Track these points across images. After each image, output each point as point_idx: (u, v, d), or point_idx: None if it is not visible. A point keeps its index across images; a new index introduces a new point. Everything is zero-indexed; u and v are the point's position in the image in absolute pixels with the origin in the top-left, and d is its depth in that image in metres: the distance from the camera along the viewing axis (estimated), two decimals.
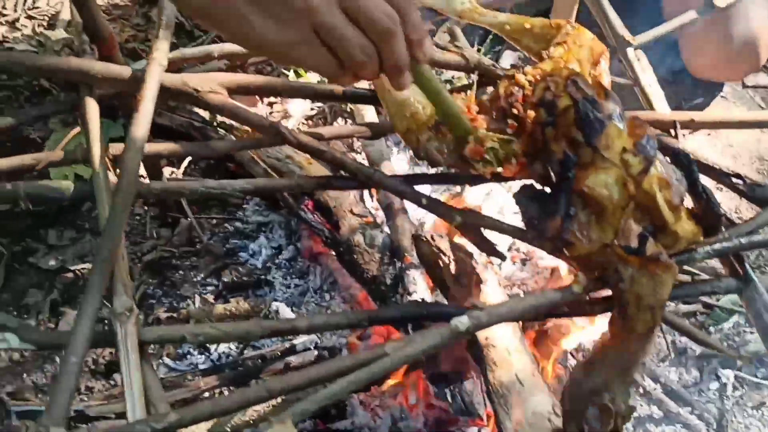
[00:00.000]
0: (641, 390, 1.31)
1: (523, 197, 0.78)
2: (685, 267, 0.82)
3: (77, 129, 0.90)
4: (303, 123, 1.62)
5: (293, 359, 1.26)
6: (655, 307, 0.71)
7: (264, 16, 0.61)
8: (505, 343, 1.07)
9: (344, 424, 1.20)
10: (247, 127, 1.11)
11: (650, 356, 1.35)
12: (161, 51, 0.88)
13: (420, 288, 1.15)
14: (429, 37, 0.69)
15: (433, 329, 0.72)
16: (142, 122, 0.82)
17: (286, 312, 1.34)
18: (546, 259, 1.34)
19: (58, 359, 1.29)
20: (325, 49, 0.64)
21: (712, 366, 1.36)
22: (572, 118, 0.74)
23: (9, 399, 1.23)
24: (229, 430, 1.10)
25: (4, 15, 1.72)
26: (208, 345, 1.30)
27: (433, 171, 1.34)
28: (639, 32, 1.03)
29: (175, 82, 0.88)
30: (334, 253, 1.33)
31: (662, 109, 0.98)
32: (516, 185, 0.82)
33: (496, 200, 1.43)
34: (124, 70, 0.89)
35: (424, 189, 1.05)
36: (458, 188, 1.46)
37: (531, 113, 0.78)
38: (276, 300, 1.36)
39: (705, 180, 0.81)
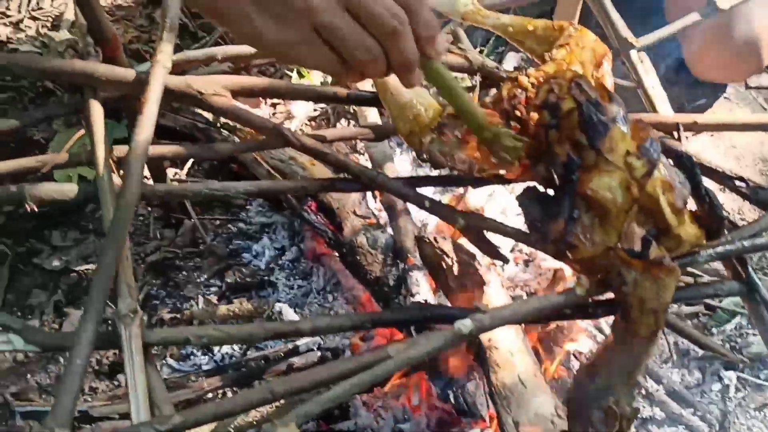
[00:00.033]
0: (643, 391, 1.31)
1: (526, 199, 0.78)
2: (688, 269, 0.81)
3: (81, 131, 0.90)
4: (306, 124, 1.63)
5: (296, 360, 1.26)
6: (658, 311, 0.71)
7: (265, 15, 0.61)
8: (508, 345, 1.07)
9: (347, 425, 1.21)
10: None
11: (653, 358, 1.35)
12: (165, 53, 0.89)
13: (423, 289, 1.15)
14: (441, 32, 0.67)
15: (436, 332, 0.72)
16: (146, 125, 0.82)
17: (289, 313, 1.34)
18: (549, 261, 1.35)
19: (62, 360, 1.29)
20: (326, 49, 0.63)
21: (714, 367, 1.36)
22: (576, 121, 0.74)
23: (13, 399, 1.24)
24: (232, 431, 1.10)
25: (8, 16, 1.73)
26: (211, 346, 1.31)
27: (435, 173, 1.34)
28: (640, 34, 1.03)
29: (179, 85, 0.88)
30: (337, 254, 1.33)
31: (665, 111, 0.97)
32: (519, 187, 0.82)
33: (499, 201, 1.43)
34: (128, 73, 0.89)
35: (426, 191, 1.05)
36: (461, 189, 1.46)
37: (534, 115, 0.78)
38: (279, 301, 1.37)
39: (708, 183, 0.81)
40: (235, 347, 1.32)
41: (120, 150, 0.86)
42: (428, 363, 1.12)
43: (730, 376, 1.34)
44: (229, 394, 1.24)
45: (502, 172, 0.81)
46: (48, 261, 1.40)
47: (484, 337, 1.06)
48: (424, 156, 0.83)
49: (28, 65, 0.90)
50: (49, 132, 1.48)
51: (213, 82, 0.90)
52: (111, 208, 0.80)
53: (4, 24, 1.71)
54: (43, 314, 1.34)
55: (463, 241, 1.15)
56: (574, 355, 1.30)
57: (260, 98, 1.59)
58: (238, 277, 1.41)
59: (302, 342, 1.28)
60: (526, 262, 1.39)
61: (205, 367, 1.29)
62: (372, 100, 0.94)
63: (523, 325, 1.10)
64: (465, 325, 0.70)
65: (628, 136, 0.74)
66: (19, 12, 1.73)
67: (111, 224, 0.76)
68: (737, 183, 0.88)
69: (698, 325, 1.41)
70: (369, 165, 1.43)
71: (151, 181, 1.34)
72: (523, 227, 0.80)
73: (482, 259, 1.14)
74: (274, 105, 1.64)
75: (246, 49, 1.00)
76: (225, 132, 1.43)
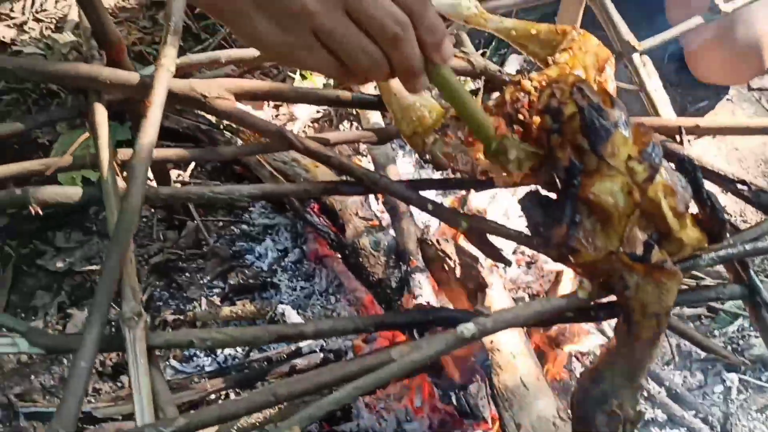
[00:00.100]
0: (646, 393, 1.31)
1: (528, 203, 0.78)
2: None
3: (86, 134, 0.91)
4: (309, 126, 1.63)
5: (299, 362, 1.26)
6: (660, 314, 0.71)
7: (266, 18, 0.60)
8: (510, 347, 1.08)
9: (349, 427, 1.21)
10: None
11: (655, 360, 1.35)
12: (169, 57, 0.89)
13: (425, 291, 1.15)
14: (448, 37, 0.66)
15: (438, 335, 0.72)
16: (150, 128, 0.83)
17: (291, 314, 1.35)
18: (551, 263, 1.35)
19: (65, 361, 1.30)
20: (325, 52, 0.62)
21: (716, 369, 1.36)
22: (578, 126, 0.74)
23: (17, 400, 1.24)
24: None
25: (12, 18, 1.73)
26: None
27: (438, 175, 1.34)
28: (641, 36, 1.04)
29: (182, 88, 0.89)
30: (339, 256, 1.34)
31: (667, 114, 0.98)
32: (521, 189, 0.83)
33: (501, 203, 1.43)
34: (132, 76, 0.90)
35: (429, 192, 1.05)
36: (463, 191, 1.47)
37: (536, 119, 0.78)
38: (282, 302, 1.37)
39: (710, 186, 0.81)
40: (238, 349, 1.32)
41: (124, 153, 0.86)
42: (430, 365, 1.12)
43: (732, 378, 1.35)
44: (232, 396, 1.25)
45: (504, 175, 0.82)
46: (52, 262, 1.41)
47: (486, 340, 1.06)
48: (427, 157, 0.83)
49: (33, 68, 0.91)
50: (53, 134, 1.48)
51: (217, 86, 0.90)
52: (115, 212, 0.80)
53: (8, 26, 1.71)
54: (47, 315, 1.34)
55: (466, 243, 1.15)
56: (576, 357, 1.30)
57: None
58: (241, 278, 1.42)
59: (305, 344, 1.29)
60: (529, 264, 1.39)
61: (208, 369, 1.29)
62: (375, 103, 0.95)
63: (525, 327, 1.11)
64: (467, 328, 0.70)
65: (630, 141, 0.74)
66: (23, 14, 1.74)
67: (115, 228, 0.77)
68: (739, 186, 0.88)
69: (700, 327, 1.42)
70: (371, 167, 1.43)
71: (154, 183, 1.35)
72: (526, 229, 0.80)
73: (484, 261, 1.15)
74: (276, 107, 1.64)
75: (249, 53, 1.00)
76: (228, 134, 1.43)
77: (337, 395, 0.68)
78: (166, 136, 1.36)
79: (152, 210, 1.48)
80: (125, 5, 1.77)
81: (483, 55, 1.72)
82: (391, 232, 1.27)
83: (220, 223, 1.49)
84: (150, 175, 1.31)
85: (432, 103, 0.84)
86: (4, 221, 1.44)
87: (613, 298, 0.75)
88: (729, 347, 1.39)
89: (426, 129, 0.82)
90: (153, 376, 0.72)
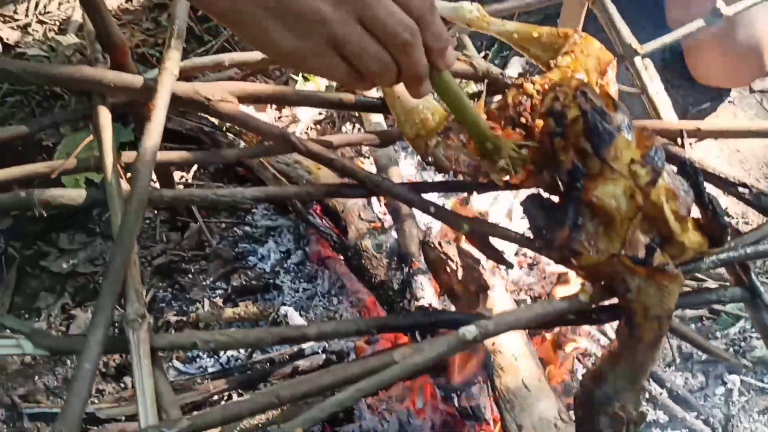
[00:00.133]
0: (647, 395, 1.31)
1: (530, 205, 0.78)
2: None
3: (90, 137, 0.91)
4: (311, 128, 1.63)
5: (301, 363, 1.27)
6: (662, 317, 0.71)
7: (281, 27, 0.61)
8: (512, 349, 1.08)
9: (352, 428, 1.21)
10: None
11: (657, 362, 1.35)
12: (173, 60, 0.90)
13: (427, 293, 1.16)
14: (451, 44, 0.68)
15: (440, 338, 0.73)
16: (154, 131, 0.83)
17: (294, 316, 1.35)
18: (553, 265, 1.34)
19: (69, 362, 1.30)
20: (339, 59, 0.63)
21: (717, 371, 1.36)
22: (581, 129, 0.74)
23: (21, 401, 1.25)
24: None
25: (16, 20, 1.74)
26: None
27: (440, 177, 1.35)
28: (640, 38, 1.04)
29: (186, 91, 0.89)
30: (342, 257, 1.34)
31: (669, 117, 0.98)
32: (523, 191, 0.83)
33: (504, 205, 1.44)
34: (136, 80, 0.90)
35: (431, 194, 1.06)
36: (465, 193, 1.47)
37: (539, 122, 0.79)
38: (284, 304, 1.38)
39: (711, 188, 0.81)
40: (241, 350, 1.32)
41: (128, 156, 0.87)
42: (432, 366, 1.12)
43: (733, 380, 1.35)
44: (235, 397, 1.25)
45: (506, 178, 0.82)
46: (55, 264, 1.41)
47: (488, 341, 1.06)
48: (429, 159, 0.84)
49: (38, 72, 0.91)
50: (56, 136, 1.49)
51: (220, 89, 0.90)
52: (119, 214, 0.80)
53: (12, 27, 1.72)
54: (50, 316, 1.35)
55: (468, 245, 1.16)
56: (577, 358, 1.31)
57: None
58: (243, 280, 1.42)
59: (307, 345, 1.29)
60: (531, 266, 1.40)
61: (210, 370, 1.30)
62: (378, 106, 0.95)
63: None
64: (469, 331, 0.71)
65: (632, 145, 0.74)
66: (27, 16, 1.74)
67: (119, 230, 0.77)
68: (740, 189, 0.88)
69: (702, 328, 1.42)
70: (374, 168, 1.43)
71: (157, 185, 1.35)
72: (528, 231, 0.81)
73: (486, 263, 1.15)
74: (279, 108, 1.65)
75: (253, 56, 1.01)
76: (231, 135, 1.44)
77: (340, 397, 0.68)
78: (169, 137, 1.36)
79: (155, 211, 1.49)
80: (128, 7, 1.77)
81: (485, 57, 1.73)
82: (394, 234, 1.27)
83: (223, 225, 1.50)
84: (153, 177, 1.31)
85: (435, 105, 0.84)
86: (8, 223, 1.45)
87: (615, 300, 0.75)
88: (731, 349, 1.39)
89: (429, 132, 0.83)
90: (156, 377, 0.72)
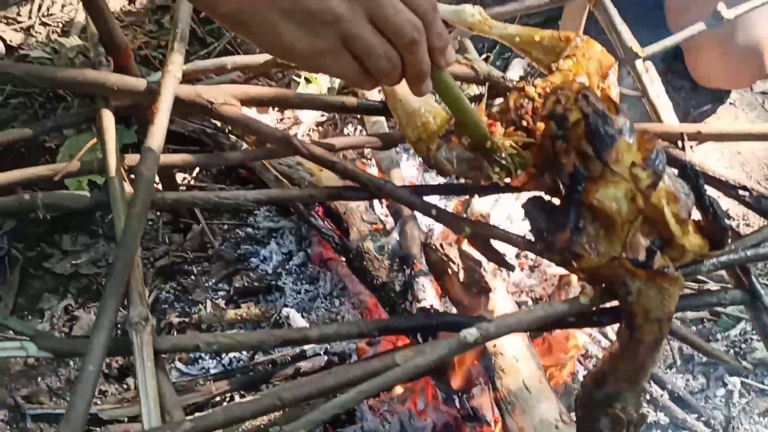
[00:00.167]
0: (648, 396, 1.32)
1: (531, 208, 0.79)
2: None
3: (93, 140, 0.91)
4: (313, 129, 1.64)
5: (303, 364, 1.27)
6: (662, 319, 0.72)
7: (293, 26, 0.62)
8: (513, 351, 1.08)
9: (353, 429, 1.22)
10: None
11: (658, 363, 1.35)
12: (176, 63, 0.90)
13: (429, 295, 1.16)
14: (451, 43, 0.70)
15: (442, 340, 0.73)
16: (157, 134, 0.84)
17: (296, 317, 1.36)
18: (554, 267, 1.35)
19: (72, 363, 1.31)
20: (350, 58, 0.65)
21: (718, 373, 1.37)
22: (582, 132, 0.75)
23: (24, 402, 1.25)
24: None
25: (19, 22, 1.74)
26: None
27: (442, 180, 1.35)
28: (640, 40, 1.04)
29: (189, 94, 0.90)
30: (344, 259, 1.34)
31: (670, 120, 0.98)
32: (524, 193, 0.83)
33: (505, 207, 1.44)
34: (139, 83, 0.90)
35: (432, 197, 1.06)
36: (467, 196, 1.47)
37: (541, 125, 0.79)
38: (286, 305, 1.38)
39: (712, 191, 0.81)
40: (243, 351, 1.33)
41: (131, 158, 0.87)
42: (434, 368, 1.13)
43: (734, 382, 1.35)
44: (237, 398, 1.25)
45: (507, 180, 0.82)
46: (58, 265, 1.42)
47: (489, 343, 1.06)
48: (431, 162, 0.84)
49: (41, 75, 0.91)
50: (59, 138, 1.49)
51: (223, 92, 0.91)
52: (122, 216, 0.81)
53: (15, 30, 1.72)
54: (54, 318, 1.35)
55: (469, 247, 1.16)
56: (578, 360, 1.31)
57: None
58: (245, 281, 1.43)
59: (309, 347, 1.29)
60: (532, 268, 1.40)
61: (213, 371, 1.30)
62: (380, 109, 0.95)
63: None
64: (470, 333, 0.71)
65: (634, 148, 0.75)
66: (30, 18, 1.75)
67: (122, 233, 0.78)
68: (741, 192, 0.88)
69: (703, 330, 1.42)
70: (376, 170, 1.44)
71: (160, 187, 1.35)
72: (529, 234, 0.81)
73: (488, 265, 1.15)
74: (281, 110, 1.65)
75: (255, 59, 1.01)
76: (233, 137, 1.44)
77: (342, 399, 0.69)
78: (172, 139, 1.36)
79: (158, 213, 1.49)
80: (131, 9, 1.78)
81: (486, 60, 1.73)
82: (395, 235, 1.28)
83: (225, 227, 1.50)
84: (156, 179, 1.32)
85: (437, 109, 0.85)
86: (12, 224, 1.45)
87: (615, 303, 0.76)
88: (731, 350, 1.39)
89: (430, 135, 0.83)
90: (159, 379, 0.72)
